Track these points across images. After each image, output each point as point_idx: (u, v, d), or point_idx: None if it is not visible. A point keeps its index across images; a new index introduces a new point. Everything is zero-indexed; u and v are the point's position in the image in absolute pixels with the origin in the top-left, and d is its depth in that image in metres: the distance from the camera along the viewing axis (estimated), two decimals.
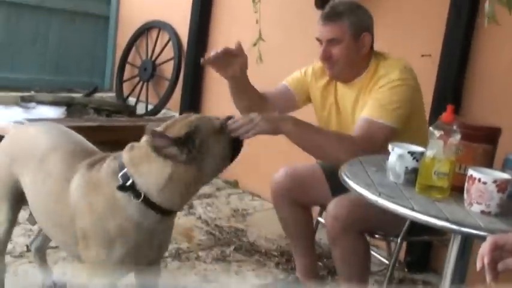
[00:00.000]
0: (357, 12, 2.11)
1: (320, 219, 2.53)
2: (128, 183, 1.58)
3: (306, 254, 2.44)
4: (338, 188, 1.84)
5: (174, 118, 1.71)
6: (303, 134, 1.94)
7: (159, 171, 1.57)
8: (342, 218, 1.95)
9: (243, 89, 2.16)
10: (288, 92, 2.32)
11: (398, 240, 2.06)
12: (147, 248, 1.66)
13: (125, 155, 1.64)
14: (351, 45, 2.09)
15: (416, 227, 1.76)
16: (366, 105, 2.05)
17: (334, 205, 1.99)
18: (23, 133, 2.03)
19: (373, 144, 1.92)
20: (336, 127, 2.22)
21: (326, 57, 2.11)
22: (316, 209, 2.57)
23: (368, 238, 2.09)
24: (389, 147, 1.68)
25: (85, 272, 1.67)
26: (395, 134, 1.97)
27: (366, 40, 2.11)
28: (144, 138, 1.65)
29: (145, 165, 1.59)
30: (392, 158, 1.66)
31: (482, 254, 1.10)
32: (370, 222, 2.00)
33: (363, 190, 1.56)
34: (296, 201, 2.33)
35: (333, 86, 2.24)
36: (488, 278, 1.09)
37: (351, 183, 1.61)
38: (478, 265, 1.11)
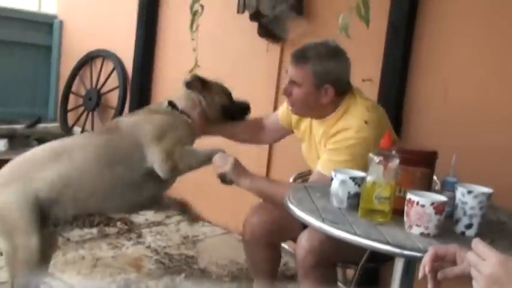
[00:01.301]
0: (325, 61, 2.09)
1: (284, 245, 2.48)
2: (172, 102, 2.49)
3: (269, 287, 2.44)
4: None
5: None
6: (256, 190, 2.17)
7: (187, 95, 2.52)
8: (315, 250, 1.94)
9: (229, 136, 2.55)
10: (277, 124, 2.50)
11: (358, 267, 2.09)
12: None
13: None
14: (311, 91, 2.09)
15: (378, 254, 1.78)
16: (322, 152, 2.13)
17: (306, 238, 1.97)
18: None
19: None
20: (312, 154, 2.28)
21: (286, 94, 2.16)
22: None
23: None
24: (332, 173, 1.72)
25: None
26: None
27: (328, 92, 2.08)
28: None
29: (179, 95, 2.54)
30: (335, 184, 1.70)
31: (424, 263, 1.15)
32: (343, 253, 1.99)
33: (307, 216, 1.59)
34: (269, 243, 2.33)
35: (310, 120, 2.28)
36: (429, 286, 1.14)
37: (295, 210, 1.64)
38: (420, 274, 1.16)
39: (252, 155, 3.00)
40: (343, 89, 2.13)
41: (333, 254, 1.98)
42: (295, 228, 2.09)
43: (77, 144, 2.33)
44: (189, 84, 2.45)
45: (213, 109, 2.47)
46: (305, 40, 3.27)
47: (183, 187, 3.93)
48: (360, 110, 2.08)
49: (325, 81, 2.07)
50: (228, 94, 2.53)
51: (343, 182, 1.68)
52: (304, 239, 1.98)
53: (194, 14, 2.80)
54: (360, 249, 1.68)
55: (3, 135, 4.25)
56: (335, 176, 1.71)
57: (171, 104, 2.44)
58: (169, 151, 2.24)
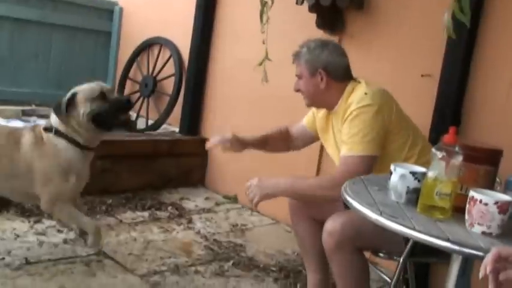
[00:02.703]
0: (313, 51, 2.29)
1: None
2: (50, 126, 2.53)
3: (319, 270, 2.48)
4: None
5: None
6: (293, 193, 2.29)
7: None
8: (336, 233, 2.01)
9: (259, 147, 2.61)
10: (306, 131, 2.61)
11: (401, 260, 2.07)
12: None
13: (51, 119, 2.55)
14: (309, 80, 2.31)
15: (419, 247, 1.78)
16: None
17: (330, 220, 2.05)
18: None
19: (351, 175, 1.99)
20: (336, 151, 2.33)
21: (296, 90, 2.38)
22: None
23: (373, 256, 2.11)
24: (391, 167, 1.70)
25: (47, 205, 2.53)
26: (374, 159, 2.13)
27: (323, 76, 2.27)
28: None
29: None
30: (395, 178, 1.68)
31: (485, 263, 1.13)
32: (366, 239, 2.03)
33: (364, 209, 1.57)
34: (313, 217, 2.43)
35: (330, 116, 2.40)
36: (490, 287, 1.12)
37: (353, 202, 1.63)
38: (481, 274, 1.14)
39: (302, 155, 2.98)
40: (338, 74, 2.29)
41: (355, 239, 2.01)
42: (338, 207, 2.15)
43: None
44: (56, 111, 2.51)
45: (84, 124, 2.50)
46: (364, 33, 3.28)
47: (231, 177, 3.99)
48: (360, 89, 2.24)
49: (316, 67, 2.28)
50: (97, 98, 2.54)
51: (402, 177, 1.66)
52: (328, 222, 2.06)
53: (264, 5, 2.82)
54: (390, 238, 1.74)
55: None
56: (394, 170, 1.69)
57: (52, 130, 2.51)
58: (52, 200, 2.51)
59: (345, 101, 2.25)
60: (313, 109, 2.53)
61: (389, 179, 1.70)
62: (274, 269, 2.98)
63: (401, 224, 1.47)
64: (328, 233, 2.03)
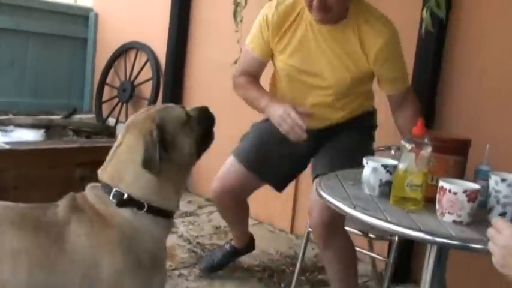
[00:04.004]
0: None
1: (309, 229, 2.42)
2: (125, 197, 1.49)
3: (243, 230, 2.81)
4: (260, 170, 2.39)
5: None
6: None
7: (146, 174, 1.49)
8: (328, 220, 2.08)
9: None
10: (262, 63, 2.35)
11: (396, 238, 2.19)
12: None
13: (103, 175, 1.56)
14: None
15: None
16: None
17: (317, 211, 2.11)
18: None
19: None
20: (320, 57, 2.20)
21: (321, 6, 2.05)
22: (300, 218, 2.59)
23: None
24: (364, 160, 1.72)
25: None
26: None
27: None
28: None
29: (130, 174, 1.51)
30: (367, 172, 1.70)
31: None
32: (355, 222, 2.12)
33: (338, 203, 1.59)
34: (237, 202, 2.59)
35: (310, 31, 2.19)
36: None
37: (327, 197, 1.65)
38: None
39: None
40: None
41: (344, 223, 2.16)
42: (252, 181, 2.43)
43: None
44: (146, 164, 1.48)
45: (192, 159, 1.63)
46: None
47: (211, 175, 4.00)
48: (377, 16, 2.20)
49: None
50: (185, 121, 1.59)
51: (374, 170, 1.68)
52: (316, 213, 2.12)
53: (237, 5, 2.83)
54: None
55: (40, 126, 4.35)
56: (366, 163, 1.71)
57: (123, 200, 1.51)
58: None
59: (354, 16, 2.14)
60: (260, 35, 2.24)
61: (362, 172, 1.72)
62: (258, 269, 2.99)
63: (374, 217, 1.50)
64: (319, 223, 2.10)
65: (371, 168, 1.69)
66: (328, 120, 2.30)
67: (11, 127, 4.25)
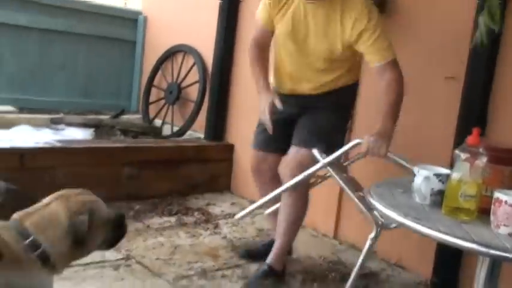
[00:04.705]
0: None
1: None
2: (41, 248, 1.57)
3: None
4: (268, 146, 2.87)
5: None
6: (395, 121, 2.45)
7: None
8: (295, 173, 2.60)
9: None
10: (270, 33, 2.80)
11: None
12: None
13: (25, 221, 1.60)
14: None
15: None
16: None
17: (284, 165, 2.70)
18: None
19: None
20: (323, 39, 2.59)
21: None
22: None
23: None
24: (415, 169, 1.71)
25: None
26: None
27: None
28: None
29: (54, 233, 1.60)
30: (418, 180, 1.68)
31: None
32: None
33: (389, 211, 1.58)
34: (270, 178, 2.90)
35: (301, 6, 2.60)
36: None
37: (377, 205, 1.64)
38: None
39: None
40: None
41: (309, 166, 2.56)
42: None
43: None
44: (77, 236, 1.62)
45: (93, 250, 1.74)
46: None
47: (251, 185, 4.02)
48: None
49: None
50: (108, 220, 1.74)
51: (426, 179, 1.67)
52: (282, 167, 2.71)
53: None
54: None
55: (90, 125, 4.48)
56: (418, 172, 1.69)
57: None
58: None
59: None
60: (266, 7, 2.73)
61: (413, 181, 1.70)
62: (300, 273, 2.99)
63: (426, 226, 1.48)
64: (288, 175, 2.62)
65: (423, 177, 1.67)
66: (312, 82, 2.72)
67: (62, 126, 4.38)
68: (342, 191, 3.45)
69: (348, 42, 2.53)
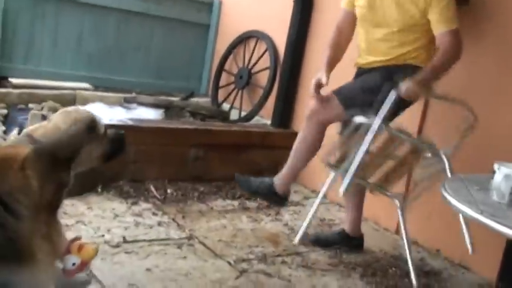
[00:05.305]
0: None
1: None
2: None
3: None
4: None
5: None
6: (433, 78, 2.68)
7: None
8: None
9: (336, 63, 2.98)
10: (351, 15, 2.95)
11: None
12: None
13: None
14: None
15: None
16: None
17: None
18: None
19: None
20: (378, 15, 2.80)
21: None
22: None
23: None
24: (495, 166, 1.64)
25: None
26: None
27: None
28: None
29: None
30: (498, 178, 1.62)
31: None
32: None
33: (464, 207, 1.53)
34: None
35: None
36: None
37: (452, 200, 1.59)
38: None
39: None
40: None
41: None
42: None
43: None
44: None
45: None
46: (469, 31, 3.15)
47: (319, 172, 4.00)
48: None
49: None
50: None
51: (507, 177, 1.60)
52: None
53: None
54: None
55: (161, 106, 4.58)
56: (498, 169, 1.63)
57: None
58: None
59: None
60: None
61: (492, 178, 1.64)
62: (360, 265, 2.95)
63: (503, 224, 1.42)
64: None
65: (503, 175, 1.60)
66: (385, 55, 2.83)
67: (134, 105, 4.51)
68: (407, 185, 3.38)
69: (421, 8, 2.69)
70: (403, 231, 2.74)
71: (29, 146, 1.40)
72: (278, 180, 3.01)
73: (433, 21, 2.69)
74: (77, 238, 1.85)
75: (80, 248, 2.01)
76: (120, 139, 1.94)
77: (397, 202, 2.75)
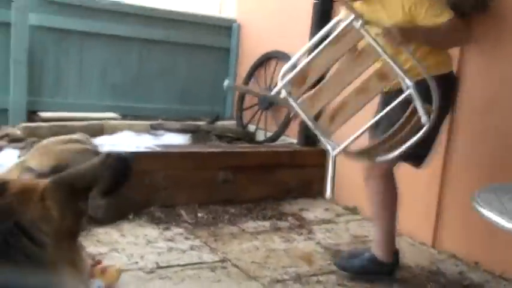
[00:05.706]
0: None
1: None
2: None
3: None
4: None
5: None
6: (430, 41, 2.66)
7: None
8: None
9: None
10: None
11: None
12: None
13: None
14: None
15: None
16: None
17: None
18: None
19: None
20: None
21: None
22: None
23: None
24: None
25: None
26: None
27: None
28: None
29: None
30: None
31: None
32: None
33: (497, 218, 1.52)
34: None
35: None
36: None
37: (484, 212, 1.57)
38: None
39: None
40: None
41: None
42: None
43: None
44: None
45: None
46: (488, 40, 3.13)
47: (350, 188, 3.97)
48: None
49: None
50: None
51: None
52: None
53: None
54: None
55: (187, 131, 4.63)
56: None
57: None
58: None
59: None
60: None
61: None
62: (397, 283, 2.92)
63: None
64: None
65: None
66: None
67: (161, 131, 4.57)
68: (440, 197, 3.34)
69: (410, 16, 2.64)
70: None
71: (49, 178, 1.37)
72: (379, 251, 2.90)
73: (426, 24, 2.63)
74: (98, 262, 1.86)
75: (103, 271, 2.04)
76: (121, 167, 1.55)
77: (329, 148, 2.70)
